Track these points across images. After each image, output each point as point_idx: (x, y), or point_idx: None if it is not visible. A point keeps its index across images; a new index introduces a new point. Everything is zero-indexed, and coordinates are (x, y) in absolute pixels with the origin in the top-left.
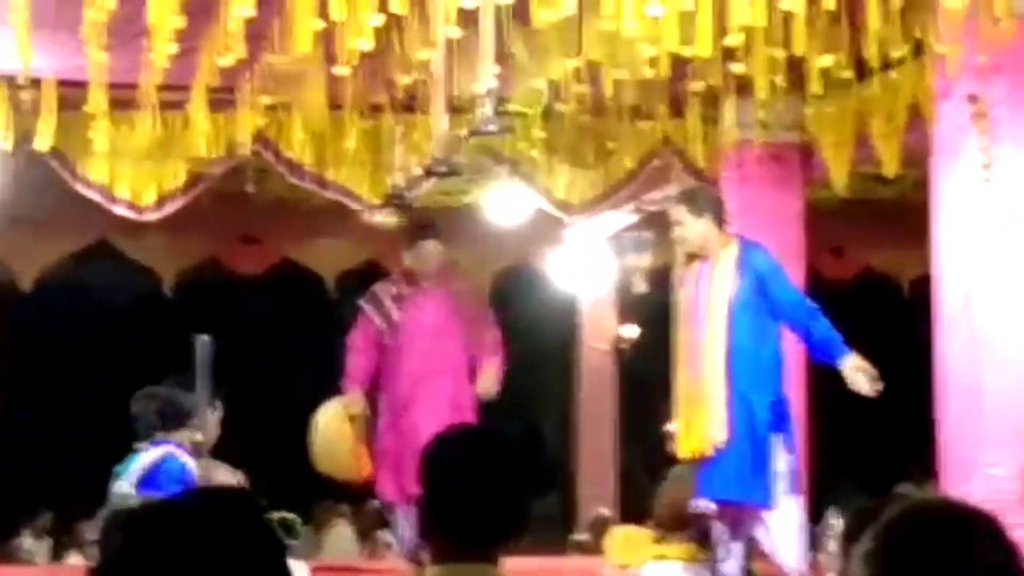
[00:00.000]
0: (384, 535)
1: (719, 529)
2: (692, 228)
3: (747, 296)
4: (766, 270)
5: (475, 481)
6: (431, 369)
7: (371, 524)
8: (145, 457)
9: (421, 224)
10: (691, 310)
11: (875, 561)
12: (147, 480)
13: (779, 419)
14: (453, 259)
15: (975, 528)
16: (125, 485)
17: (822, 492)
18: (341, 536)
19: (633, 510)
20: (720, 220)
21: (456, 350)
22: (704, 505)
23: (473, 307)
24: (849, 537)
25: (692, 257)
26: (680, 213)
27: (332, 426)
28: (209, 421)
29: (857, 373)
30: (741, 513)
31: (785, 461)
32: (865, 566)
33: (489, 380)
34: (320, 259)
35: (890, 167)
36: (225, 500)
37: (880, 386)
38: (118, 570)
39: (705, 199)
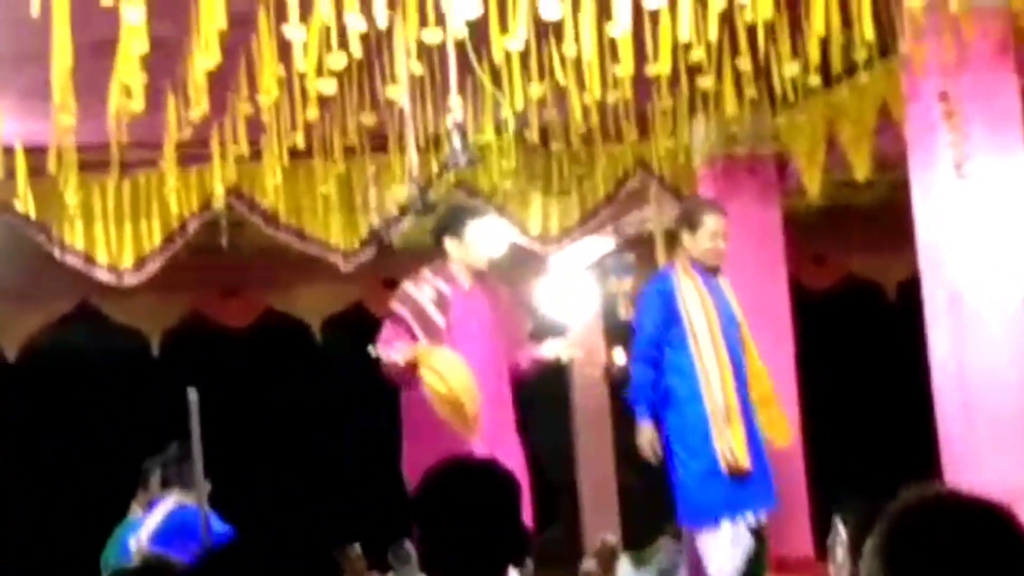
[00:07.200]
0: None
1: None
2: None
3: None
4: None
5: (470, 517)
6: (485, 381)
7: (357, 569)
8: (160, 510)
9: (464, 206)
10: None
11: (885, 551)
12: (163, 534)
13: None
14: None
15: (986, 515)
16: (142, 539)
17: (827, 501)
18: None
19: (637, 533)
20: None
21: (503, 361)
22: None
23: (513, 311)
24: (855, 541)
25: None
26: None
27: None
28: (200, 475)
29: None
30: None
31: None
32: (875, 559)
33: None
34: (304, 306)
35: (861, 171)
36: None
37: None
38: None
39: None
